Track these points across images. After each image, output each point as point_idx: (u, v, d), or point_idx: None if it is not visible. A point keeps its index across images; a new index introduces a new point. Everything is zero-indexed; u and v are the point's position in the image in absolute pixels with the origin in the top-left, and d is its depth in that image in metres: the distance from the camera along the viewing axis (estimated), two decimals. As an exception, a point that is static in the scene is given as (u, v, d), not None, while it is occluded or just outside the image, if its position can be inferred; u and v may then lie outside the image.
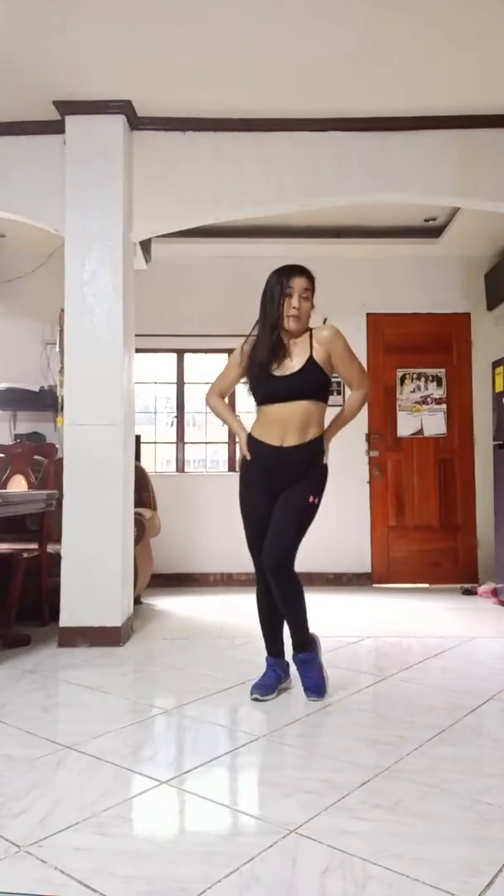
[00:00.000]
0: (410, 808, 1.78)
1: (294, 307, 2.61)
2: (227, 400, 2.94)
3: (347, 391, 2.86)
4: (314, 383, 2.63)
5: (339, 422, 2.78)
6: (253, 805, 1.86)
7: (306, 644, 2.67)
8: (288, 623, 2.69)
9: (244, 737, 2.30)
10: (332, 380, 2.72)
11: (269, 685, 2.68)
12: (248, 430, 2.76)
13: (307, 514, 2.64)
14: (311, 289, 2.67)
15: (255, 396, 2.71)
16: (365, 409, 5.50)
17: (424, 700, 2.64)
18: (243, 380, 2.77)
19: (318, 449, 2.68)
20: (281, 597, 2.63)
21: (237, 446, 2.81)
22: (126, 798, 1.86)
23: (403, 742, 2.22)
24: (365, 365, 5.53)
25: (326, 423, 2.73)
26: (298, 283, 2.62)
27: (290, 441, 2.62)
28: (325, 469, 2.71)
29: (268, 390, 2.64)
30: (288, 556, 2.60)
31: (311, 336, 2.67)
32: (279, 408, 2.62)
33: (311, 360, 2.63)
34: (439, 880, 1.45)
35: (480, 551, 5.47)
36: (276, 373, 2.63)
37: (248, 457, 2.72)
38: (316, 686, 2.63)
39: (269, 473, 2.66)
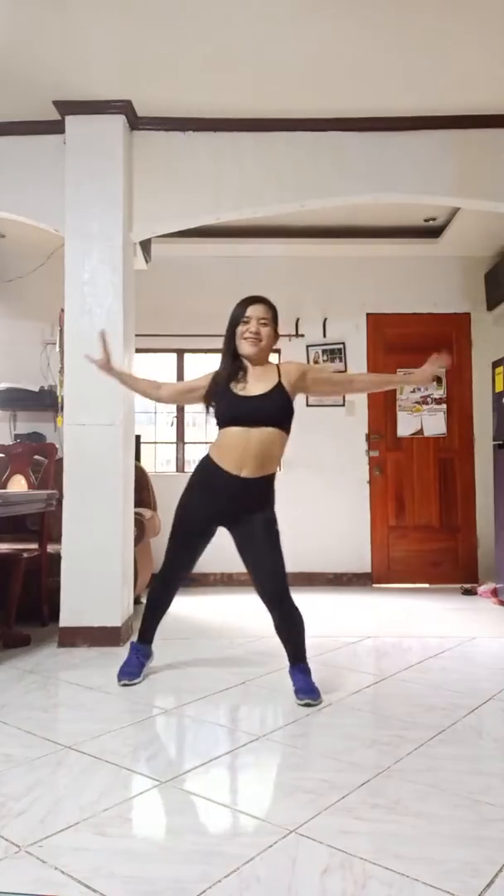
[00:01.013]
0: (410, 808, 1.78)
1: (252, 331, 2.65)
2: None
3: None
4: (280, 407, 2.65)
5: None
6: (253, 805, 1.86)
7: (304, 656, 2.72)
8: (294, 641, 2.71)
9: (244, 737, 2.30)
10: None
11: (135, 672, 2.83)
12: (208, 450, 2.77)
13: (278, 537, 2.71)
14: (269, 316, 2.69)
15: (218, 417, 2.71)
16: (364, 409, 5.54)
17: (424, 700, 2.65)
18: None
19: (272, 483, 2.71)
20: (290, 621, 2.69)
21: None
22: (126, 798, 1.87)
23: (403, 742, 2.22)
24: (365, 365, 5.58)
25: (285, 456, 2.76)
26: (254, 310, 2.68)
27: (248, 472, 2.62)
28: (274, 496, 2.74)
29: (233, 410, 2.64)
30: (286, 583, 2.69)
31: (278, 369, 2.72)
32: (242, 432, 2.61)
33: (279, 385, 2.65)
34: (439, 880, 1.45)
35: (480, 551, 5.47)
36: (241, 393, 2.64)
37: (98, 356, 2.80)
38: (314, 689, 2.62)
39: (218, 498, 2.67)
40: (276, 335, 2.73)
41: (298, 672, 2.69)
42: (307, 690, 2.60)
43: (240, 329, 2.68)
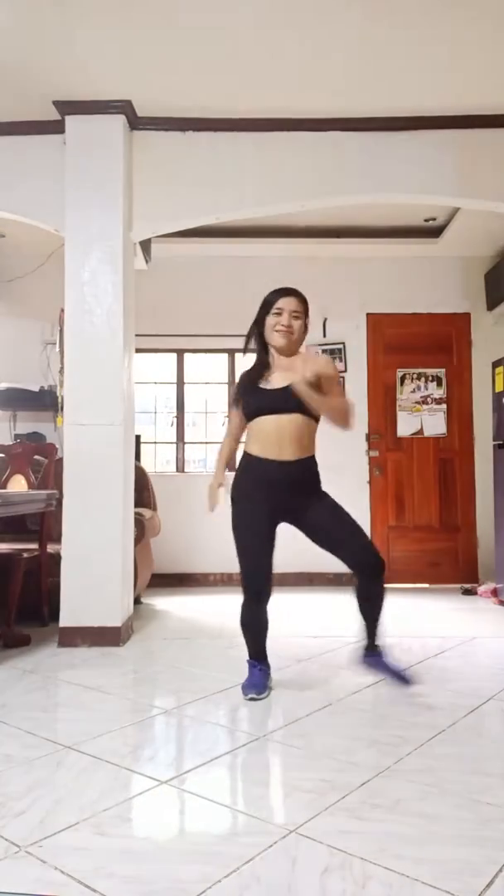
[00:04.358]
0: (410, 808, 1.78)
1: (283, 324, 2.63)
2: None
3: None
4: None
5: (325, 400, 2.59)
6: (253, 805, 1.86)
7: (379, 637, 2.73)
8: (375, 622, 2.71)
9: (244, 737, 2.31)
10: None
11: (262, 683, 2.69)
12: (244, 450, 2.74)
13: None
14: (301, 310, 2.68)
15: (245, 411, 2.71)
16: (364, 409, 5.54)
17: (424, 700, 2.64)
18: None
19: (315, 467, 2.69)
20: (379, 594, 2.69)
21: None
22: (126, 798, 1.87)
23: (403, 742, 2.22)
24: (365, 365, 5.58)
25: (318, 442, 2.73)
26: (287, 302, 2.65)
27: (287, 455, 2.61)
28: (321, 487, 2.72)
29: (257, 402, 2.65)
30: (377, 551, 2.69)
31: (303, 359, 2.71)
32: (270, 420, 2.61)
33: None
34: (439, 880, 1.45)
35: (480, 551, 5.47)
36: (265, 387, 2.65)
37: (212, 498, 2.78)
38: (405, 674, 2.68)
39: (270, 489, 2.63)
40: (306, 328, 2.72)
41: (375, 662, 2.71)
42: (403, 676, 2.67)
43: (270, 320, 2.65)
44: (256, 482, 2.65)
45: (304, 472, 2.65)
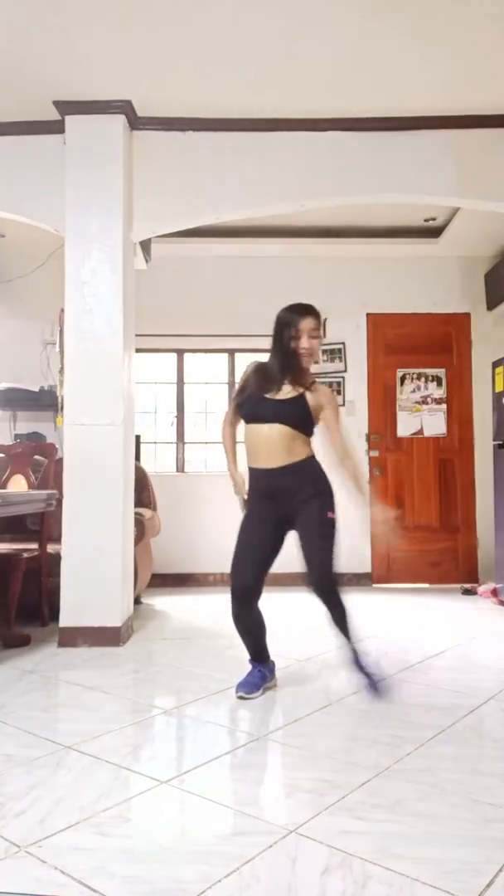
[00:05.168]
0: (410, 808, 1.78)
1: (304, 347, 2.68)
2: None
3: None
4: (298, 414, 2.67)
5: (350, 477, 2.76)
6: (253, 805, 1.86)
7: (353, 648, 2.73)
8: (338, 633, 2.71)
9: (244, 737, 2.31)
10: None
11: (255, 683, 2.71)
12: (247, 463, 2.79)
13: (330, 531, 2.69)
14: (318, 326, 2.72)
15: (240, 411, 2.77)
16: (364, 409, 5.54)
17: (424, 700, 2.65)
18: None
19: (310, 468, 2.71)
20: (333, 616, 2.68)
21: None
22: (126, 798, 1.87)
23: (403, 742, 2.22)
24: (365, 365, 5.58)
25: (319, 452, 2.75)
26: (305, 323, 2.69)
27: (277, 462, 2.66)
28: (326, 482, 2.73)
29: (254, 409, 2.70)
30: (329, 578, 2.69)
31: (312, 384, 2.74)
32: (260, 429, 2.67)
33: (302, 396, 2.68)
34: (439, 880, 1.45)
35: (480, 551, 5.47)
36: (267, 395, 2.69)
37: (240, 494, 2.81)
38: (372, 686, 2.69)
39: (267, 497, 2.71)
40: (320, 342, 2.78)
41: (354, 667, 2.71)
42: (368, 686, 2.67)
43: (293, 343, 2.69)
44: (256, 492, 2.74)
45: (295, 476, 2.67)
